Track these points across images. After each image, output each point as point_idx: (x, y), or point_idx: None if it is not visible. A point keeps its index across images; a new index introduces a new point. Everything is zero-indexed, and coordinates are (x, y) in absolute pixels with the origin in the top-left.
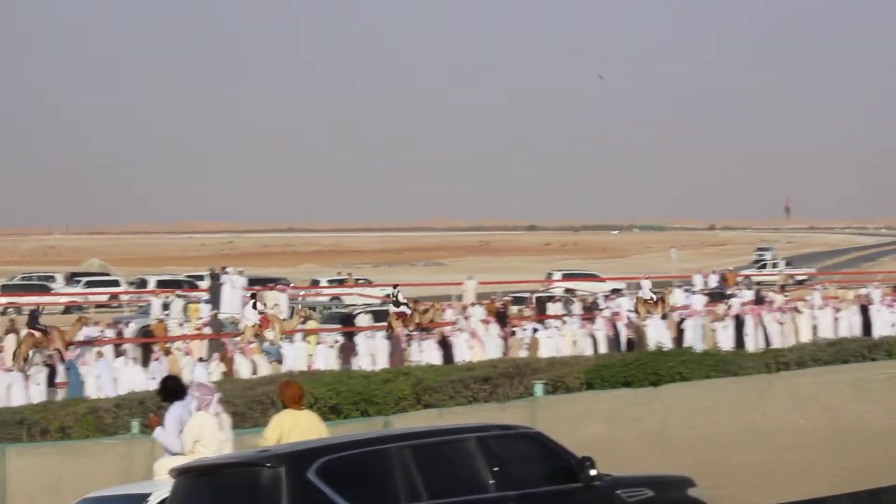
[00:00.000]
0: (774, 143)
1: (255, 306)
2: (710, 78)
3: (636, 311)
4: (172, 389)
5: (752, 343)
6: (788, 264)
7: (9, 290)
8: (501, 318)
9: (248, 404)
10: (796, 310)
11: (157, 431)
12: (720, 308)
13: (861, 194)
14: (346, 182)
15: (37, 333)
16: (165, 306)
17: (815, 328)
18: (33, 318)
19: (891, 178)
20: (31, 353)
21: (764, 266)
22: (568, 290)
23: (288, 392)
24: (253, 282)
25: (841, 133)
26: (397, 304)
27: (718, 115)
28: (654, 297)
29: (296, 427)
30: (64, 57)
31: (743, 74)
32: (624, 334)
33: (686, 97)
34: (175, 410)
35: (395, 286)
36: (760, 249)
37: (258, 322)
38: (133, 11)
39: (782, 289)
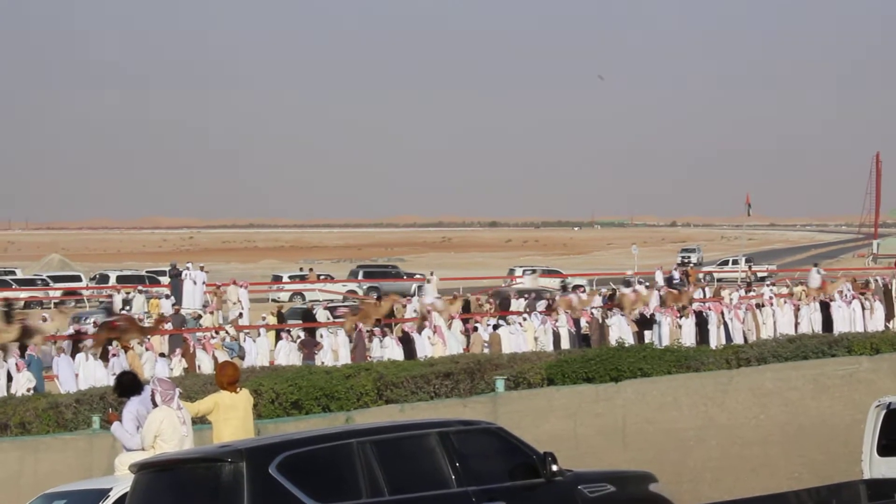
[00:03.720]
0: (737, 141)
1: None
2: (674, 76)
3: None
4: (128, 385)
5: (715, 339)
6: (749, 261)
7: None
8: (466, 307)
9: None
10: (757, 306)
11: (115, 427)
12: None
13: (822, 192)
14: (308, 178)
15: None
16: (126, 302)
17: (775, 324)
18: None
19: (850, 175)
20: None
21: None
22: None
23: (224, 374)
24: None
25: (802, 131)
26: None
27: (681, 112)
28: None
29: (232, 409)
30: (24, 54)
31: (707, 73)
32: (585, 330)
33: (649, 95)
34: (132, 406)
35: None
36: (686, 251)
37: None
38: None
39: (748, 286)
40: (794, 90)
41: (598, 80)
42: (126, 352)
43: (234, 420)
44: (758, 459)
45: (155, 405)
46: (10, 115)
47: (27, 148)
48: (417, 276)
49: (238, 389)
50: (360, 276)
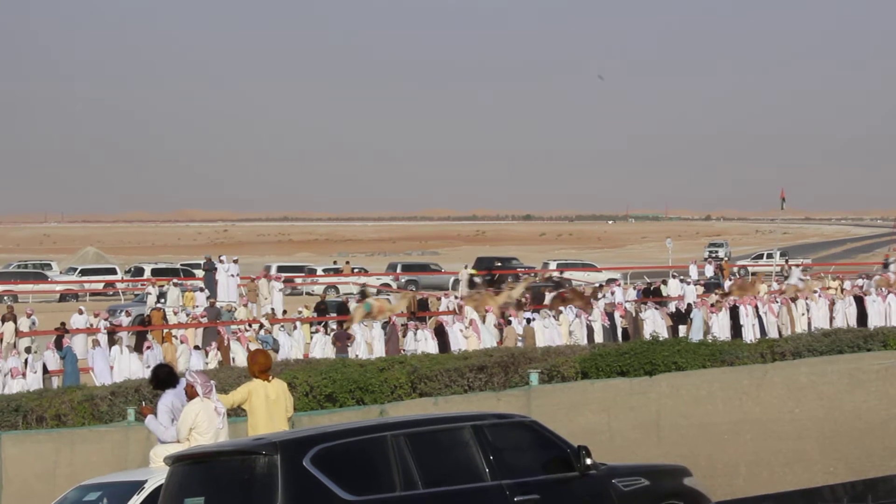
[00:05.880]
0: (771, 133)
1: None
2: (706, 67)
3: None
4: (164, 378)
5: (749, 333)
6: (784, 255)
7: (4, 277)
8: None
9: None
10: (791, 300)
11: (149, 419)
12: (712, 298)
13: (858, 185)
14: (342, 171)
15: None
16: (162, 295)
17: (810, 319)
18: None
19: (888, 168)
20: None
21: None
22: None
23: (255, 362)
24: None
25: (838, 122)
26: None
27: (714, 104)
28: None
29: (266, 399)
30: (58, 48)
31: (738, 63)
32: (620, 324)
33: (682, 86)
34: (167, 399)
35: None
36: (713, 245)
37: None
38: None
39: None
40: (828, 81)
41: (607, 76)
42: (163, 344)
43: (266, 408)
44: (792, 454)
45: (189, 398)
46: (47, 108)
47: (63, 141)
48: (520, 270)
49: (270, 378)
50: (398, 270)
